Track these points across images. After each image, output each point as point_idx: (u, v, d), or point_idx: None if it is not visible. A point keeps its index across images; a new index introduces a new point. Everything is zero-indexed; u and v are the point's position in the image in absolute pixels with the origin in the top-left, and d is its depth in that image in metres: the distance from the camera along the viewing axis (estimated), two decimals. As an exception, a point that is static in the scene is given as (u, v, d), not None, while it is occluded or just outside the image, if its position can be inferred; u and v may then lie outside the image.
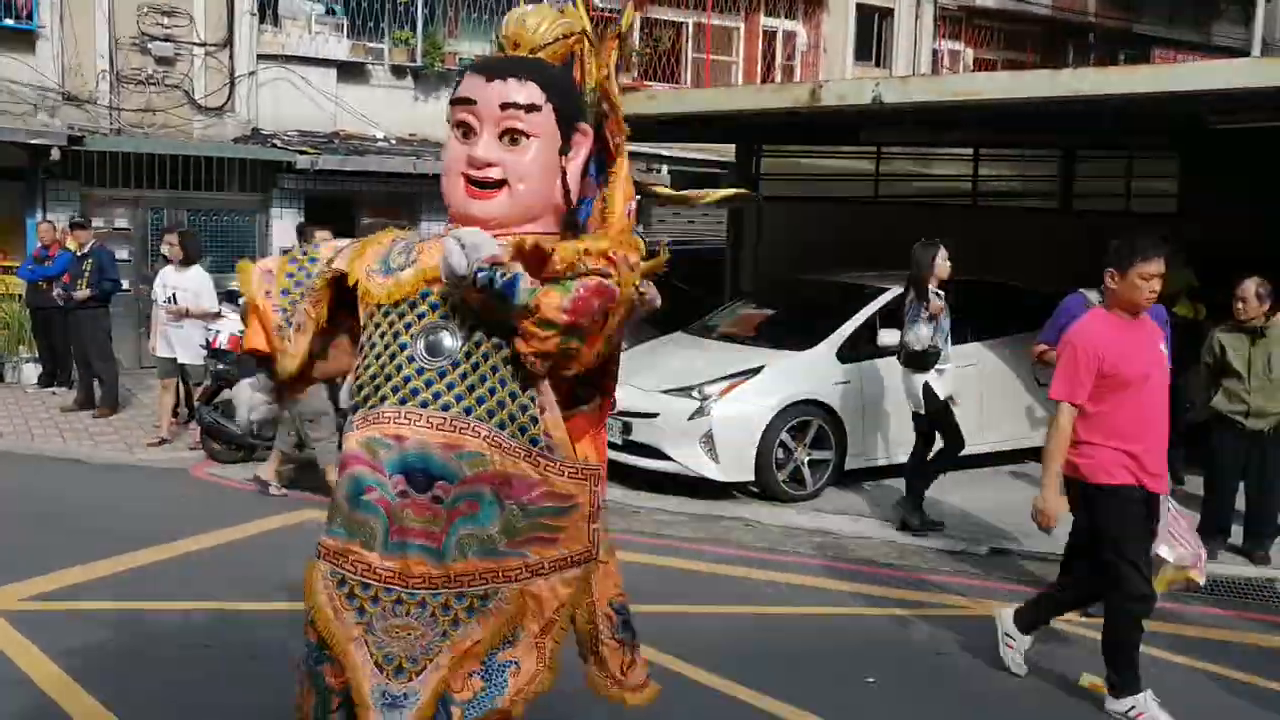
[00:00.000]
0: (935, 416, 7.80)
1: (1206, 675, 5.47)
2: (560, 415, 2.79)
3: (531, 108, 2.79)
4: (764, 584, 6.73)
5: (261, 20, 15.11)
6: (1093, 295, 6.15)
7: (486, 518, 2.74)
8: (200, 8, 14.67)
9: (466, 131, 2.84)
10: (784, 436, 8.50)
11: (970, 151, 13.68)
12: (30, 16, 13.71)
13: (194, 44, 14.68)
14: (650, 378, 8.62)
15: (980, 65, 21.47)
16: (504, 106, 2.79)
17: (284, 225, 14.65)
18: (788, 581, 6.79)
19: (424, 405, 2.74)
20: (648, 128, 11.99)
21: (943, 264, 7.82)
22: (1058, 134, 12.05)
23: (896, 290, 9.33)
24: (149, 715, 4.52)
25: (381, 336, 2.82)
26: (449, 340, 2.76)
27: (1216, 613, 6.43)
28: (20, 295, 12.87)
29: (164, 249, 11.33)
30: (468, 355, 2.74)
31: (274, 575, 6.31)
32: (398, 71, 16.02)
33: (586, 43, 3.04)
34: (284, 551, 6.92)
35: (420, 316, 2.79)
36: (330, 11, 15.61)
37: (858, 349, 8.96)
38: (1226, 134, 9.21)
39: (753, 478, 8.46)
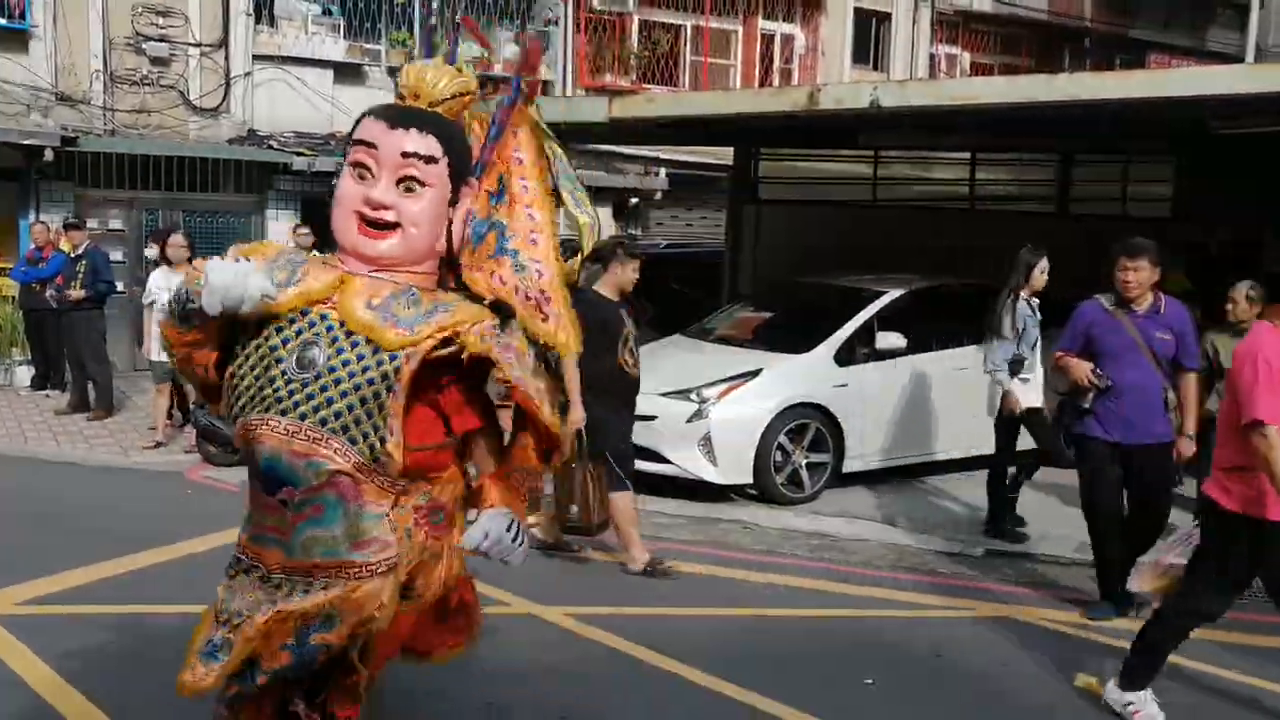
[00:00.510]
0: (1029, 425, 7.75)
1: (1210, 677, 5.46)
2: (401, 439, 3.01)
3: (430, 159, 3.06)
4: (762, 586, 6.71)
5: (257, 21, 15.06)
6: (1106, 301, 6.10)
7: (331, 520, 3.04)
8: (195, 8, 14.63)
9: (363, 173, 3.07)
10: (782, 439, 8.48)
11: (968, 155, 13.68)
12: (23, 16, 13.65)
13: (189, 44, 14.64)
14: (648, 380, 8.54)
15: (977, 69, 21.51)
16: (405, 155, 3.04)
17: (280, 226, 14.61)
18: (786, 584, 6.77)
19: (283, 414, 2.98)
20: (645, 130, 12.01)
21: (1040, 275, 7.79)
22: (1055, 138, 12.06)
23: (895, 293, 9.35)
24: (144, 718, 4.48)
25: (256, 348, 3.05)
26: (318, 357, 2.98)
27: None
28: (13, 297, 12.81)
29: (148, 252, 11.31)
30: (331, 371, 2.97)
31: (271, 578, 6.29)
32: (395, 73, 15.98)
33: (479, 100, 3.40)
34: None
35: (298, 333, 3.02)
36: (327, 12, 15.58)
37: (856, 352, 8.95)
38: (1224, 138, 9.22)
39: (751, 480, 8.44)
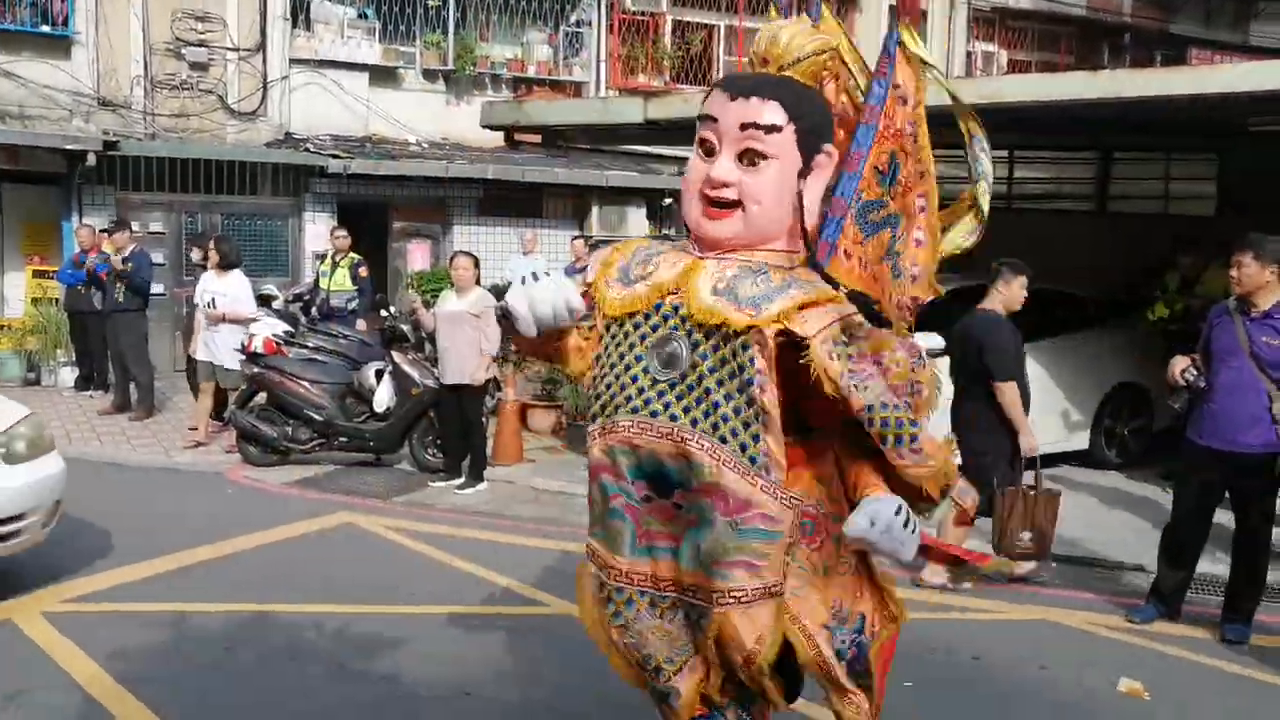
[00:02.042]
0: None
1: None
2: (782, 438, 2.73)
3: (772, 128, 2.76)
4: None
5: (294, 25, 15.18)
6: (1232, 301, 5.84)
7: (703, 533, 2.75)
8: (233, 13, 14.76)
9: (709, 150, 2.82)
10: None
11: (1005, 153, 13.58)
12: (66, 23, 13.83)
13: (227, 49, 14.77)
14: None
15: (1014, 67, 21.33)
16: (744, 126, 2.76)
17: (317, 229, 14.71)
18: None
19: (654, 415, 2.76)
20: (679, 131, 11.99)
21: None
22: (1094, 135, 11.94)
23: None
24: (193, 717, 4.52)
25: (617, 347, 2.85)
26: (681, 352, 2.76)
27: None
28: (58, 299, 12.98)
29: (193, 255, 11.40)
30: (694, 368, 2.74)
31: (310, 578, 6.34)
32: (430, 75, 16.06)
33: (842, 63, 3.06)
34: (321, 553, 6.96)
35: (654, 329, 2.80)
36: (362, 16, 15.66)
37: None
38: (1268, 134, 9.11)
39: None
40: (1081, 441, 9.71)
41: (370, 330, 10.80)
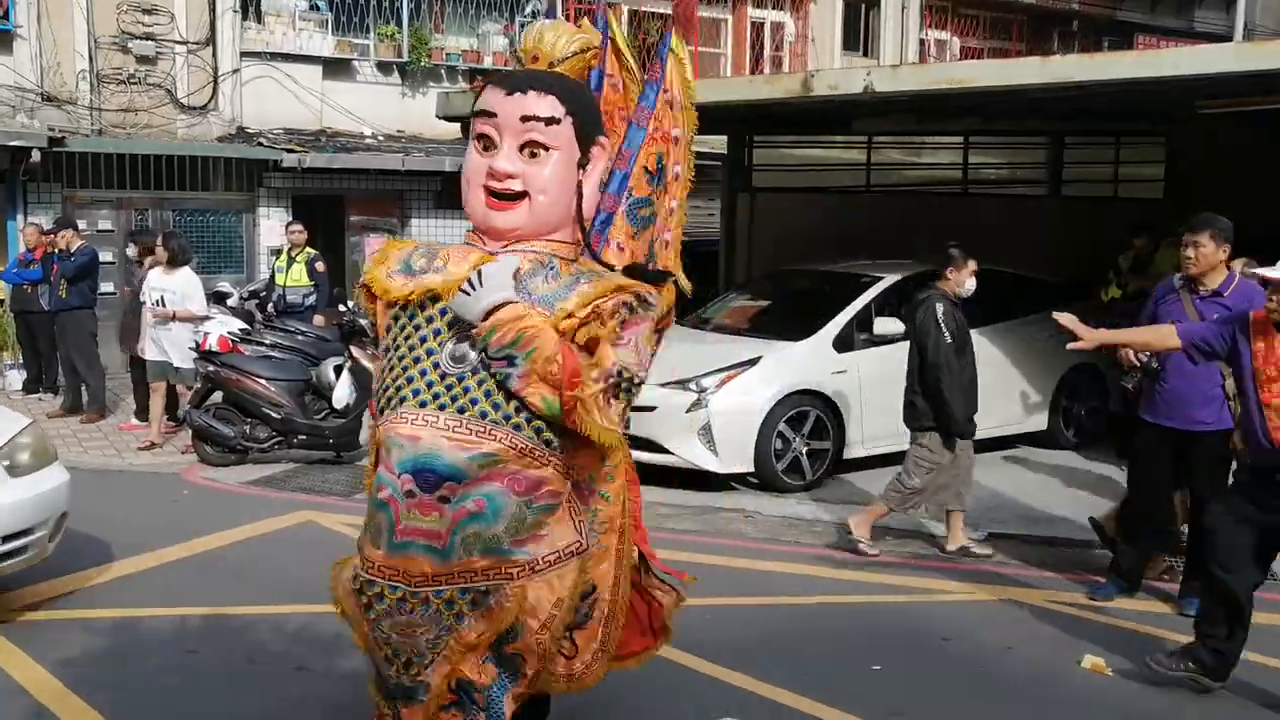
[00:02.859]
0: None
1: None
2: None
3: (551, 120, 2.85)
4: (765, 574, 6.69)
5: (244, 17, 14.98)
6: (1178, 279, 5.82)
7: (494, 516, 2.79)
8: (181, 5, 14.53)
9: (487, 144, 2.89)
10: (782, 427, 8.45)
11: (960, 139, 13.67)
12: (6, 16, 13.54)
13: (175, 42, 14.55)
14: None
15: (966, 54, 21.50)
16: (524, 119, 2.84)
17: (271, 224, 14.55)
18: (789, 571, 6.74)
19: (442, 408, 2.78)
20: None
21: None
22: (1046, 121, 12.04)
23: (892, 279, 9.31)
24: (148, 722, 4.45)
25: (406, 339, 2.87)
26: (469, 352, 2.80)
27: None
28: (3, 300, 12.74)
29: (129, 251, 11.24)
30: (483, 362, 2.78)
31: (270, 578, 6.26)
32: (384, 68, 15.92)
33: (619, 66, 3.24)
34: (279, 554, 6.88)
35: (450, 325, 2.83)
36: (314, 8, 15.50)
37: (854, 338, 8.93)
38: (1213, 117, 9.21)
39: (752, 469, 8.42)
40: (1040, 423, 9.82)
41: (328, 326, 10.68)
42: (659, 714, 4.66)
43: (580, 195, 2.97)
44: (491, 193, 2.89)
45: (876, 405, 8.90)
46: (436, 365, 2.81)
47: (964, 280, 6.86)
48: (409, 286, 2.91)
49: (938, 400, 6.73)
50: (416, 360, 2.83)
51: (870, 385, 8.85)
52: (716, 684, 4.92)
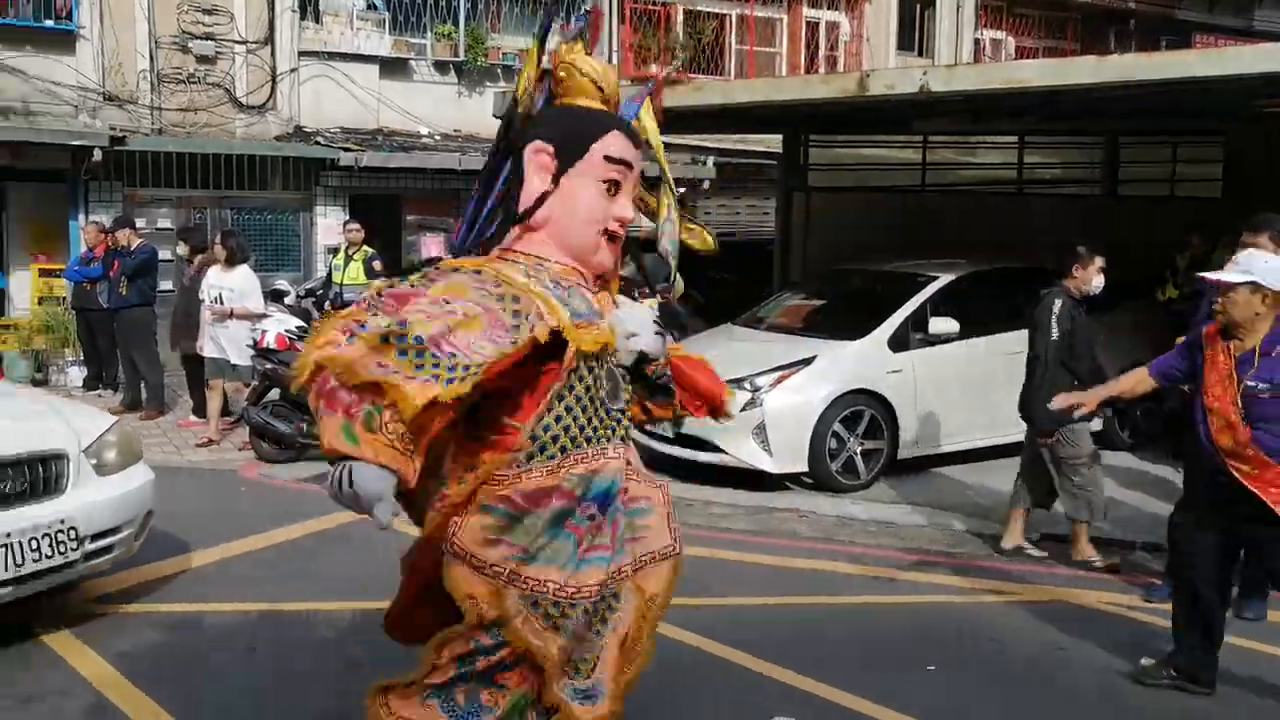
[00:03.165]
0: None
1: None
2: None
3: (642, 173, 3.11)
4: (819, 574, 6.67)
5: (303, 17, 15.13)
6: None
7: (631, 515, 3.02)
8: (240, 5, 14.70)
9: (613, 190, 2.98)
10: (837, 426, 8.42)
11: (1015, 139, 13.54)
12: (69, 17, 13.77)
13: (235, 42, 14.73)
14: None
15: (1021, 53, 21.29)
16: (638, 170, 3.06)
17: (328, 223, 14.69)
18: (843, 571, 6.72)
19: (608, 441, 2.95)
20: (692, 120, 11.96)
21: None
22: (1102, 120, 11.90)
23: (947, 278, 9.26)
24: (206, 717, 4.50)
25: (581, 382, 2.91)
26: (619, 386, 3.02)
27: None
28: (65, 298, 12.95)
29: (179, 250, 11.38)
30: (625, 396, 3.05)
31: (326, 574, 6.32)
32: (440, 67, 16.02)
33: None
34: (335, 550, 6.93)
35: (605, 364, 2.99)
36: (372, 7, 15.62)
37: (909, 338, 8.88)
38: (1274, 116, 9.08)
39: (806, 468, 8.39)
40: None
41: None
42: (712, 711, 4.66)
43: None
44: (609, 235, 2.99)
45: (932, 405, 8.87)
46: (603, 403, 2.95)
47: (1090, 278, 6.81)
48: (592, 334, 2.90)
49: (1030, 392, 6.71)
50: (593, 400, 2.93)
51: (925, 385, 8.81)
52: (770, 682, 4.91)
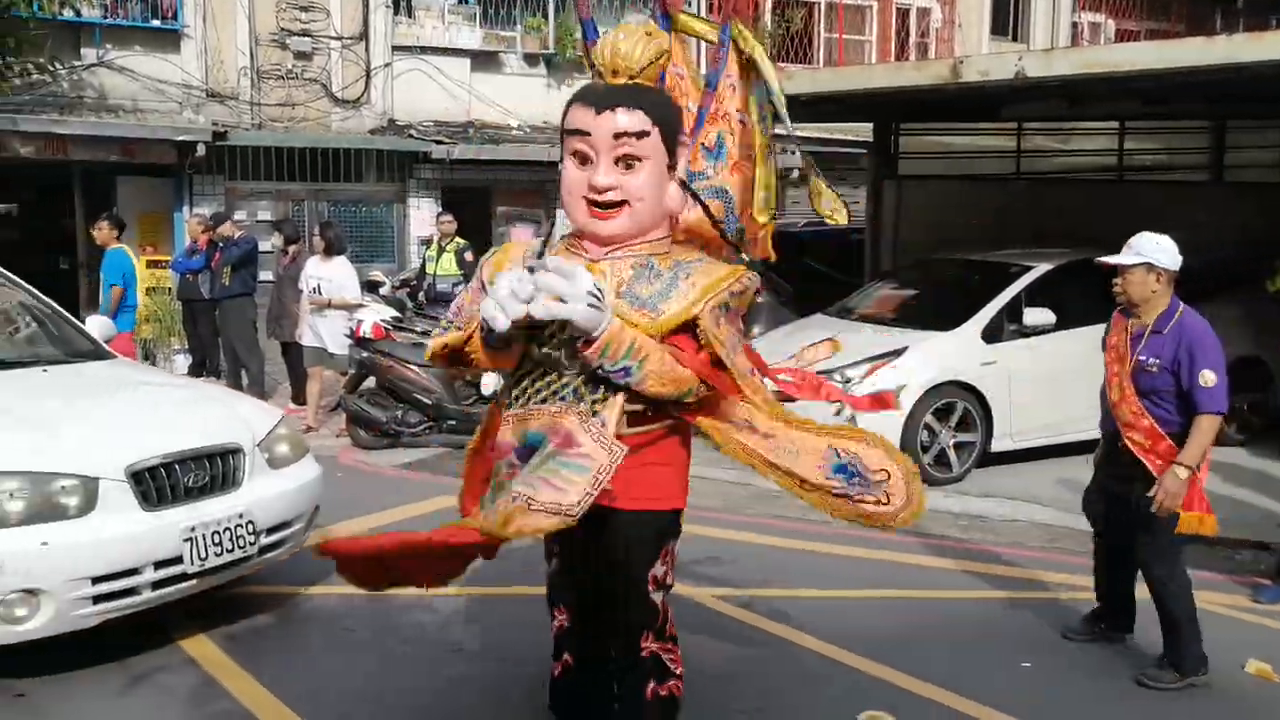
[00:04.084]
0: None
1: None
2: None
3: (641, 134, 3.13)
4: (910, 568, 6.61)
5: (396, 12, 15.37)
6: None
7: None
8: (336, 2, 14.99)
9: (583, 159, 3.17)
10: (929, 419, 8.34)
11: (1116, 125, 13.24)
12: (175, 16, 14.16)
13: (331, 38, 15.01)
14: (790, 362, 8.52)
15: (1122, 36, 20.79)
16: (617, 136, 3.12)
17: (421, 215, 14.90)
18: (935, 565, 6.66)
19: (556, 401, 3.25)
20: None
21: None
22: (1209, 104, 11.57)
23: (1043, 268, 9.10)
24: (307, 698, 4.60)
25: (539, 347, 3.27)
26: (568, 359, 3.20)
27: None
28: (170, 289, 13.31)
29: (273, 240, 11.60)
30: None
31: (424, 558, 6.41)
32: (530, 60, 16.15)
33: (686, 69, 3.55)
34: (432, 535, 7.03)
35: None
36: (463, 1, 15.79)
37: (1003, 329, 8.75)
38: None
39: (897, 461, 8.31)
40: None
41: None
42: (805, 704, 4.66)
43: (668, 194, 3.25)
44: (593, 204, 3.17)
45: (1026, 398, 8.72)
46: (559, 366, 3.23)
47: None
48: None
49: None
50: (540, 363, 3.28)
51: (1019, 377, 8.67)
52: (865, 677, 4.89)
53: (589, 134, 3.13)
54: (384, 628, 5.37)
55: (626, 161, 3.12)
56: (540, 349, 3.23)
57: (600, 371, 3.06)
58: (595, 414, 3.13)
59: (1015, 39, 20.35)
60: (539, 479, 3.06)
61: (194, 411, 5.61)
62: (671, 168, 3.22)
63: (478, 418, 9.34)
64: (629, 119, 3.10)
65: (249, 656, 4.96)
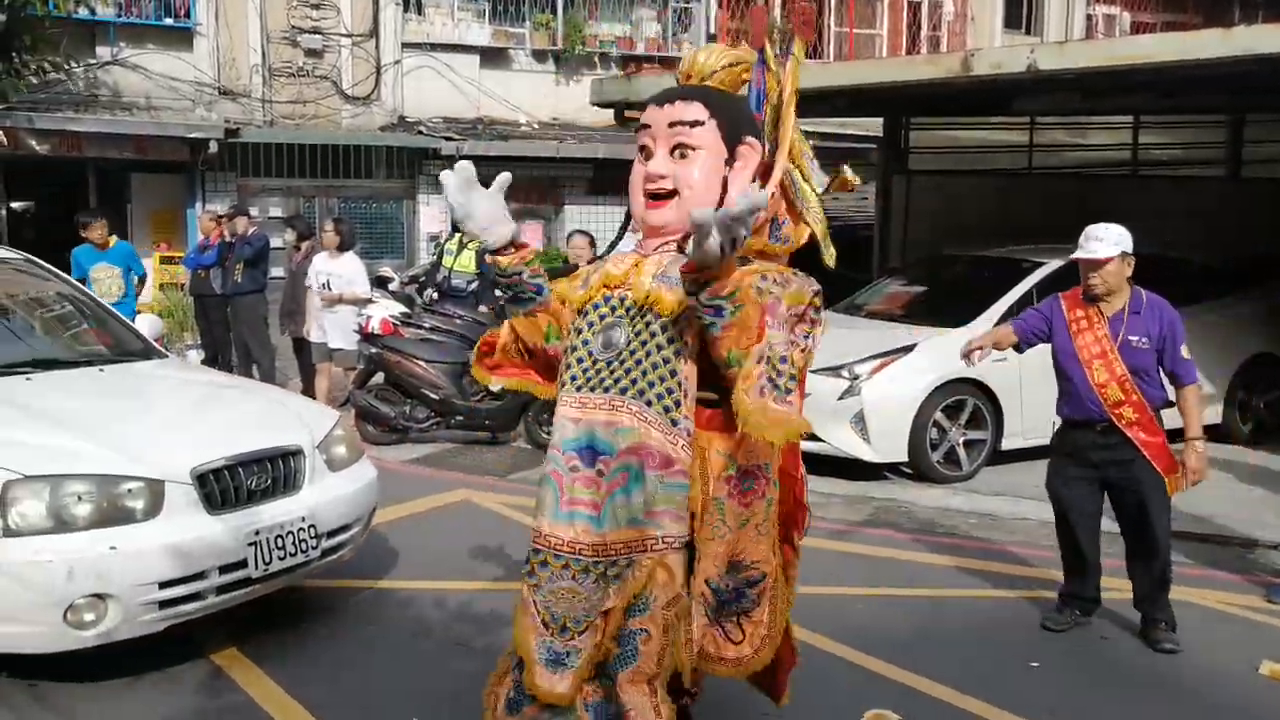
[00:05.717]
0: None
1: None
2: (694, 404, 3.03)
3: (695, 123, 3.10)
4: (919, 566, 6.58)
5: (405, 9, 15.37)
6: None
7: (634, 488, 3.02)
8: (347, 0, 14.98)
9: (646, 154, 3.19)
10: (938, 416, 8.30)
11: (1130, 119, 13.15)
12: (188, 14, 14.20)
13: (341, 35, 15.03)
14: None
15: (1137, 29, 20.65)
16: (671, 124, 3.13)
17: (430, 211, 14.91)
18: (944, 564, 6.62)
19: (592, 390, 3.08)
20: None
21: None
22: (1225, 97, 11.47)
23: (1055, 264, 9.03)
24: (315, 691, 4.61)
25: (578, 335, 3.19)
26: (619, 335, 3.10)
27: None
28: (183, 285, 13.35)
29: (286, 237, 11.60)
30: (629, 347, 3.06)
31: (431, 554, 6.42)
32: (539, 56, 16.14)
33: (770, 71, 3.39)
34: (440, 531, 7.05)
35: (601, 317, 3.15)
36: (472, -2, 15.80)
37: (1015, 325, 8.68)
38: None
39: (906, 458, 8.28)
40: (1214, 415, 9.36)
41: (490, 313, 10.88)
42: (814, 703, 4.62)
43: (725, 191, 3.15)
44: (648, 194, 3.15)
45: (1037, 395, 8.65)
46: (591, 353, 3.11)
47: None
48: (579, 294, 3.21)
49: None
50: (574, 349, 3.15)
51: (1030, 374, 8.58)
52: (872, 676, 4.87)
53: (650, 126, 3.17)
54: (389, 623, 5.37)
55: (681, 150, 3.11)
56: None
57: (694, 300, 2.84)
58: (675, 424, 3.01)
59: (1029, 32, 20.24)
60: (659, 513, 3.00)
61: (253, 412, 5.57)
62: (729, 163, 3.15)
63: (485, 414, 9.40)
64: (684, 108, 3.11)
65: (257, 649, 4.96)
